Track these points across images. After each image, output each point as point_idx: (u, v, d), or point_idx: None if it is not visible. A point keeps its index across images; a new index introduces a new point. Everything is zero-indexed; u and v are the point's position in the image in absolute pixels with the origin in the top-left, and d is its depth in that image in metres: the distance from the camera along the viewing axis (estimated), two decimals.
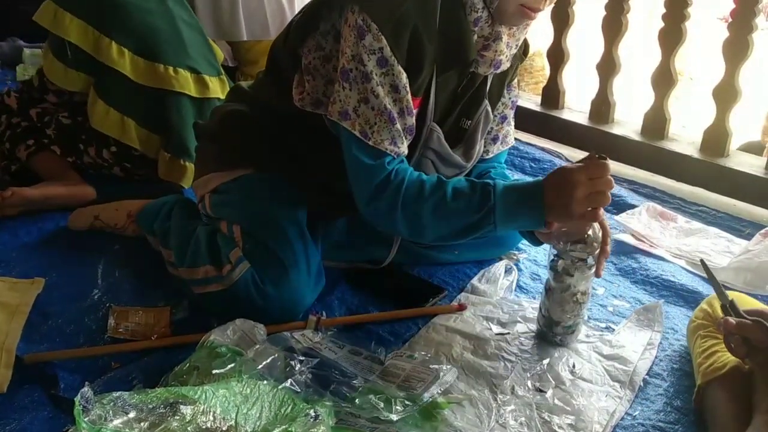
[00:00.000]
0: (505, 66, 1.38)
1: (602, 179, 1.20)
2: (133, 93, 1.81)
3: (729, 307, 1.13)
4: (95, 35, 1.77)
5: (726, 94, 2.17)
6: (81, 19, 1.76)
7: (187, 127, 1.85)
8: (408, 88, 1.27)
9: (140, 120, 1.83)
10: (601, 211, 1.24)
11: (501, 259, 1.67)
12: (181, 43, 1.87)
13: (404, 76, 1.26)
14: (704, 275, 1.68)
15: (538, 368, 1.29)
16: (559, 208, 1.21)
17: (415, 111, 1.32)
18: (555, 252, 1.31)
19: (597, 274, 1.29)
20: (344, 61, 1.25)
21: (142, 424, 0.94)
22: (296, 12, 1.49)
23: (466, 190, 1.27)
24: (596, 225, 1.27)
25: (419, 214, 1.27)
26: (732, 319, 1.10)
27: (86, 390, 0.96)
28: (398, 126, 1.28)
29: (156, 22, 1.84)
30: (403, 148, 1.30)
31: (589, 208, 1.20)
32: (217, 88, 1.94)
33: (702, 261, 1.31)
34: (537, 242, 1.40)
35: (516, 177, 2.05)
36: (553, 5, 1.30)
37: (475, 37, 1.30)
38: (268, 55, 1.48)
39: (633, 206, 2.00)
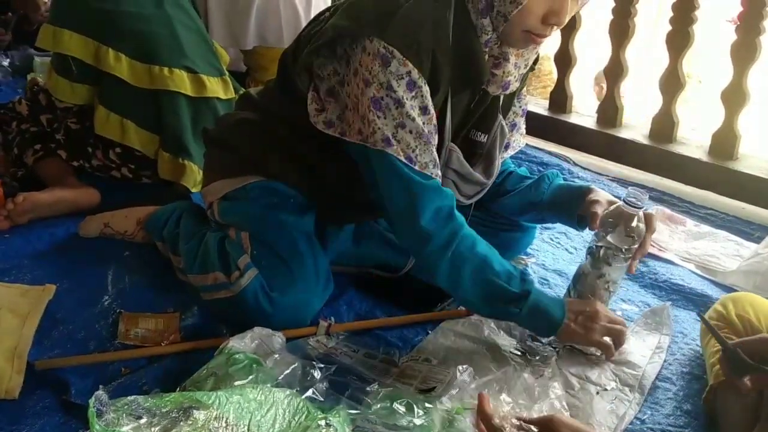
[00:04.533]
0: (514, 86, 1.38)
1: (619, 329, 1.32)
2: (130, 96, 1.84)
3: (731, 354, 1.09)
4: (95, 45, 1.82)
5: (734, 97, 2.17)
6: (79, 33, 1.82)
7: (184, 126, 1.87)
8: (432, 107, 1.28)
9: (139, 121, 1.86)
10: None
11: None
12: (177, 45, 1.89)
13: (429, 93, 1.26)
14: (713, 278, 1.69)
15: (547, 372, 1.29)
16: (574, 334, 1.31)
17: None
18: (597, 240, 1.33)
19: (630, 270, 1.34)
20: (374, 90, 1.23)
21: (153, 428, 0.94)
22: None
23: (510, 266, 1.31)
24: (642, 221, 1.30)
25: (463, 265, 1.28)
26: (748, 382, 1.06)
27: (101, 393, 0.97)
28: (432, 147, 1.28)
29: (152, 27, 1.87)
30: (439, 171, 1.31)
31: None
32: (218, 88, 1.96)
33: (700, 314, 1.32)
34: (581, 227, 1.47)
35: None
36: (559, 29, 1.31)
37: (486, 56, 1.31)
38: (278, 65, 1.48)
39: None
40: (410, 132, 1.25)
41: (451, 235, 1.27)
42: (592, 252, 1.34)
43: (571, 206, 1.45)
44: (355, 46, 1.26)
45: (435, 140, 1.30)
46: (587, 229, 1.43)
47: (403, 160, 1.25)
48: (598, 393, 1.24)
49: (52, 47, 1.85)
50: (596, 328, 1.30)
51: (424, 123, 1.26)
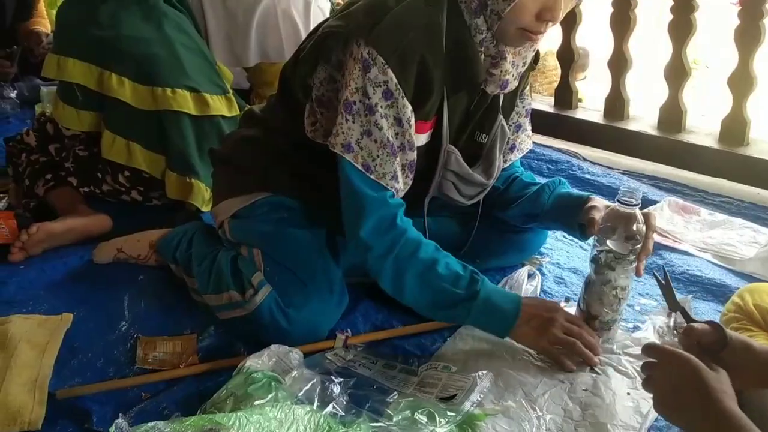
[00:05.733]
0: (513, 85, 1.38)
1: (575, 344, 1.27)
2: (135, 118, 1.86)
3: (681, 313, 1.11)
4: (97, 71, 1.85)
5: (741, 82, 2.15)
6: (82, 60, 1.85)
7: (189, 145, 1.89)
8: (411, 122, 1.27)
9: (144, 143, 1.88)
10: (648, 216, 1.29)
11: (524, 265, 1.65)
12: (179, 66, 1.91)
13: (409, 109, 1.26)
14: (731, 267, 1.67)
15: (569, 375, 1.27)
16: (525, 336, 1.30)
17: (426, 135, 1.33)
18: (598, 245, 1.30)
19: (637, 274, 1.30)
20: (348, 93, 1.25)
21: None
22: None
23: (458, 268, 1.30)
24: (641, 221, 1.27)
25: (406, 270, 1.29)
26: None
27: (121, 421, 0.98)
28: (398, 160, 1.28)
29: (153, 49, 1.89)
30: (400, 185, 1.31)
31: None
32: (221, 106, 1.98)
33: (655, 274, 1.25)
34: (583, 237, 1.43)
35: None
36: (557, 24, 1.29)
37: (482, 56, 1.30)
38: (279, 79, 1.49)
39: (654, 202, 1.98)
40: (375, 141, 1.26)
41: (392, 243, 1.28)
42: (595, 259, 1.30)
43: (571, 216, 1.44)
44: (346, 51, 1.27)
45: (407, 156, 1.30)
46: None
47: (360, 168, 1.27)
48: (620, 391, 1.22)
49: (56, 76, 1.88)
50: (548, 335, 1.28)
51: (396, 134, 1.27)
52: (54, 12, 2.98)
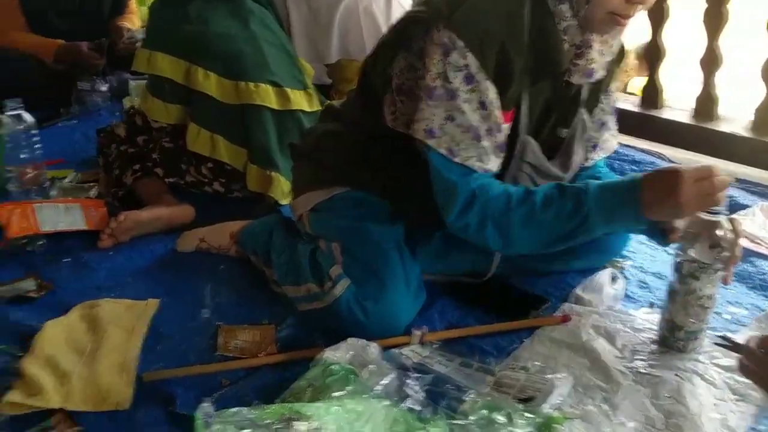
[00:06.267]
0: (599, 75, 1.34)
1: (709, 180, 1.15)
2: (219, 112, 1.92)
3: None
4: (185, 66, 1.92)
5: None
6: (171, 55, 1.93)
7: (271, 139, 1.93)
8: (496, 103, 1.26)
9: (227, 136, 1.93)
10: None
11: (605, 267, 1.61)
12: (263, 61, 1.96)
13: (492, 90, 1.25)
14: None
15: (652, 380, 1.23)
16: (661, 206, 1.18)
17: (506, 125, 1.31)
18: (681, 254, 1.25)
19: (725, 281, 1.24)
20: (429, 79, 1.25)
21: None
22: None
23: (556, 197, 1.25)
24: (727, 228, 1.21)
25: (509, 227, 1.26)
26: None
27: (207, 405, 1.01)
28: (485, 143, 1.27)
29: (239, 45, 1.94)
30: (491, 165, 1.29)
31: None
32: (302, 101, 2.01)
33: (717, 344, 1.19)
34: (665, 243, 1.37)
35: None
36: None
37: (566, 45, 1.27)
38: (359, 73, 1.50)
39: (746, 206, 1.90)
40: (458, 126, 1.25)
41: (482, 212, 1.26)
42: (678, 267, 1.26)
43: (652, 222, 1.38)
44: (427, 38, 1.27)
45: (496, 139, 1.28)
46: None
47: (443, 153, 1.26)
48: (707, 404, 1.17)
49: (146, 69, 1.96)
50: (683, 189, 1.14)
51: (482, 118, 1.25)
52: (143, 9, 3.10)
